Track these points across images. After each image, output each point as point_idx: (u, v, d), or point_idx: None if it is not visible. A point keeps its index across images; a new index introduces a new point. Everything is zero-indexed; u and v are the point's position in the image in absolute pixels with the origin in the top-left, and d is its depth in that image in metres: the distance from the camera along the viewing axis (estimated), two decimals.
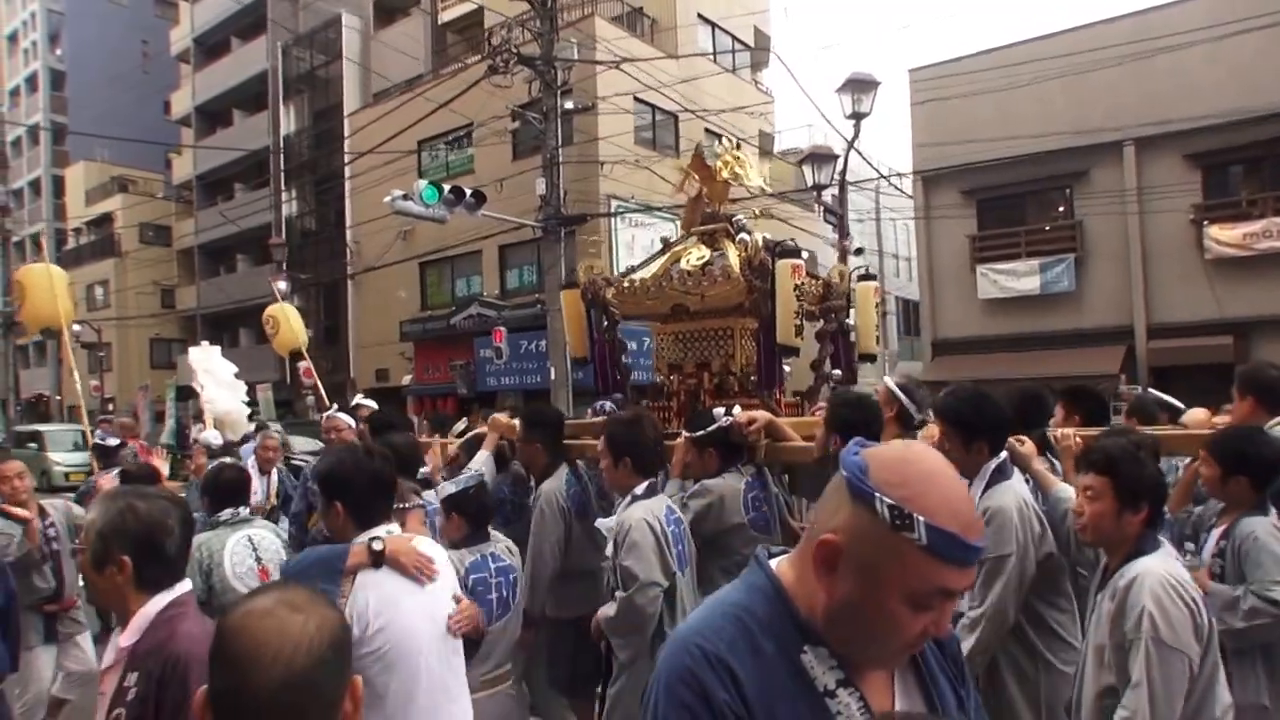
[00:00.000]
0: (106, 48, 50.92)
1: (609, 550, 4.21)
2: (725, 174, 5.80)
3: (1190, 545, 4.39)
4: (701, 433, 4.64)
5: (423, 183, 16.79)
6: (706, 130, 25.67)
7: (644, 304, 5.74)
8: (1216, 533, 3.92)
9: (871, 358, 6.39)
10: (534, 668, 5.24)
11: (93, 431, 18.38)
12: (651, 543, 4.02)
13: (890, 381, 4.96)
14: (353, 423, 8.27)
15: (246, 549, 4.77)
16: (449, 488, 4.22)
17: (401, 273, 27.33)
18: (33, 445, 22.40)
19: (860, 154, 18.01)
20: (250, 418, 12.89)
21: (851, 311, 6.16)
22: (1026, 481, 4.02)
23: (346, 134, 30.06)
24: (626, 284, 5.79)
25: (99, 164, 49.77)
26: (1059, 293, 20.02)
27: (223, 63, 39.85)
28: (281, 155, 34.75)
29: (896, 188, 22.71)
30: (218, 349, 12.59)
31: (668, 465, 4.88)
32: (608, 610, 4.12)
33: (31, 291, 9.45)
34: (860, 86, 16.44)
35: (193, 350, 12.29)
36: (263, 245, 35.17)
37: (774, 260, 5.13)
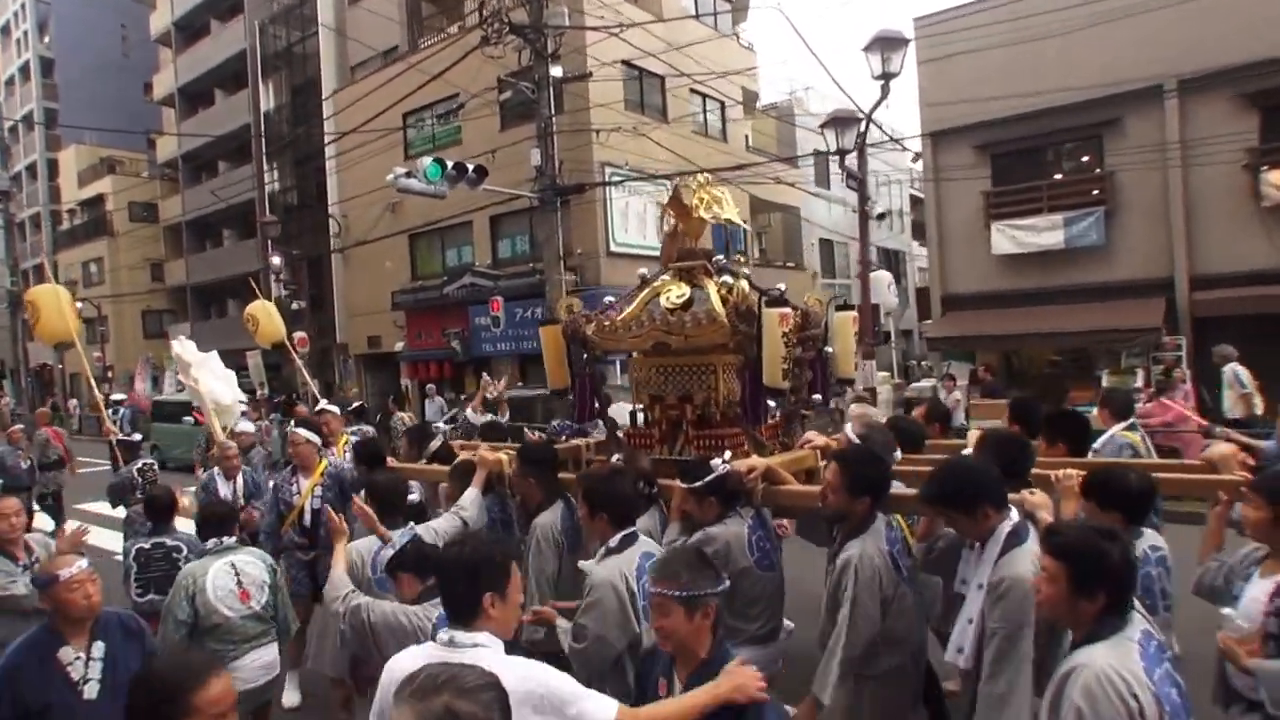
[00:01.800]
0: (90, 35, 48.45)
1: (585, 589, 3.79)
2: (701, 211, 5.21)
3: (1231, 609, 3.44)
4: (700, 484, 4.15)
5: (427, 160, 15.05)
6: (692, 91, 22.89)
7: (625, 341, 5.29)
8: (1267, 585, 3.28)
9: (850, 382, 5.95)
10: None
11: (109, 409, 16.63)
12: (614, 605, 3.62)
13: (849, 431, 5.00)
14: (338, 411, 8.53)
15: (228, 574, 4.61)
16: (387, 552, 4.12)
17: (391, 245, 24.70)
18: (188, 419, 19.37)
19: (874, 122, 14.73)
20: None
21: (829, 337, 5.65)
22: None
23: (329, 111, 27.24)
24: (608, 322, 5.36)
25: (89, 147, 47.28)
26: (1085, 246, 17.02)
27: (203, 44, 36.90)
28: (263, 133, 31.71)
29: (902, 146, 19.33)
30: (193, 343, 11.14)
31: (663, 504, 4.59)
32: (564, 641, 3.68)
33: (44, 311, 9.54)
34: (889, 45, 13.63)
35: (174, 344, 11.10)
36: (248, 220, 33.75)
37: (760, 306, 4.74)
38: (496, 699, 1.77)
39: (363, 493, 5.41)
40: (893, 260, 33.38)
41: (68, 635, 3.49)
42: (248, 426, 9.57)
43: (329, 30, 29.14)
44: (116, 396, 20.08)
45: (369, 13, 27.71)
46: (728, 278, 5.15)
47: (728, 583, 2.74)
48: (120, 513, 8.08)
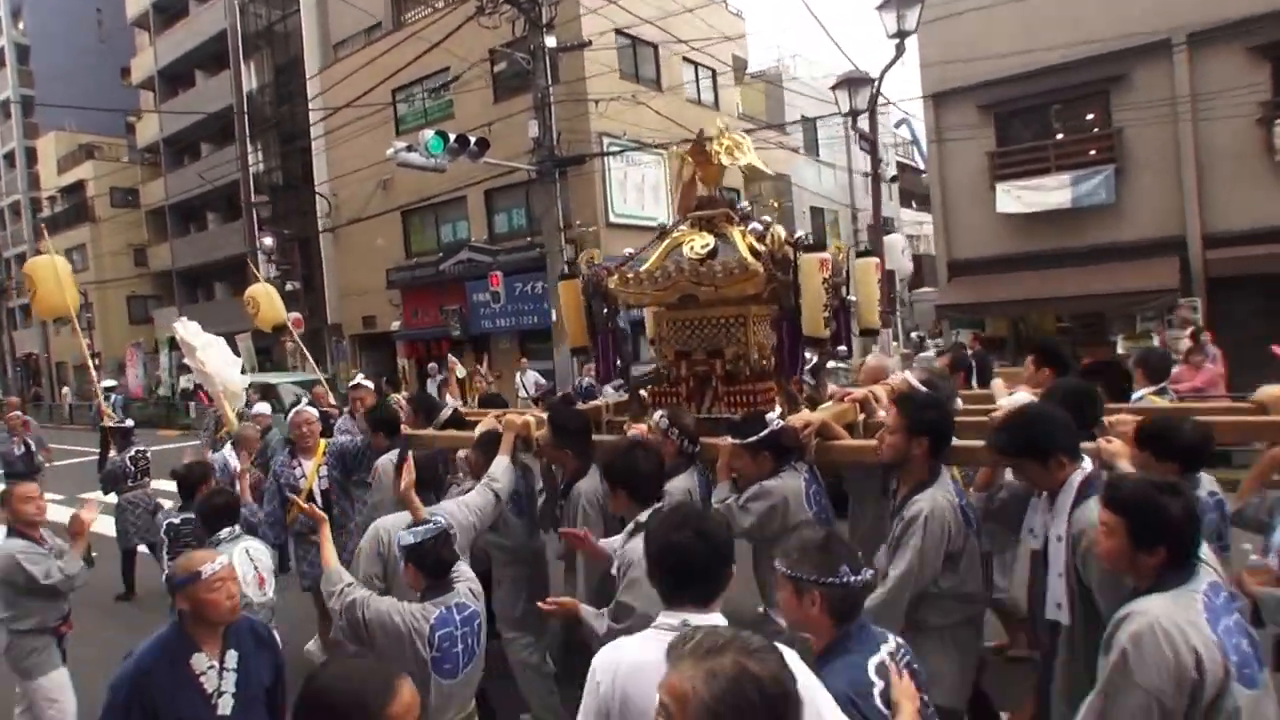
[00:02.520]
0: (66, 20, 47.33)
1: (614, 570, 3.54)
2: (722, 157, 4.89)
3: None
4: (755, 439, 3.99)
5: (428, 133, 14.66)
6: (685, 60, 22.50)
7: (650, 294, 4.91)
8: None
9: (875, 332, 5.59)
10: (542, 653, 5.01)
11: (104, 394, 16.11)
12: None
13: (910, 377, 4.67)
14: (371, 386, 7.96)
15: (247, 560, 4.45)
16: (407, 538, 3.52)
17: (383, 222, 24.14)
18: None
19: (879, 88, 14.16)
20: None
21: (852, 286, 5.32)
22: None
23: (315, 89, 26.51)
24: (631, 275, 4.96)
25: (68, 133, 46.35)
26: (1095, 205, 16.46)
27: (181, 25, 35.96)
28: (246, 113, 30.17)
29: (903, 112, 19.00)
30: (196, 324, 10.76)
31: (702, 465, 4.41)
32: (595, 625, 3.40)
33: (41, 284, 9.44)
34: (904, 2, 13.21)
35: (176, 325, 10.74)
36: (232, 203, 32.75)
37: (796, 253, 4.47)
38: (783, 662, 1.65)
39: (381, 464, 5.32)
40: (881, 227, 32.86)
41: (201, 641, 3.13)
42: (265, 408, 9.54)
43: (311, 8, 28.54)
44: (107, 383, 19.66)
45: None
46: (758, 225, 4.85)
47: (855, 578, 2.40)
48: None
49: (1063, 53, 15.97)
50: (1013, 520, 3.72)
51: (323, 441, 6.33)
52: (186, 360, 10.92)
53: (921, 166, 38.41)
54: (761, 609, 4.53)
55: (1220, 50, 15.10)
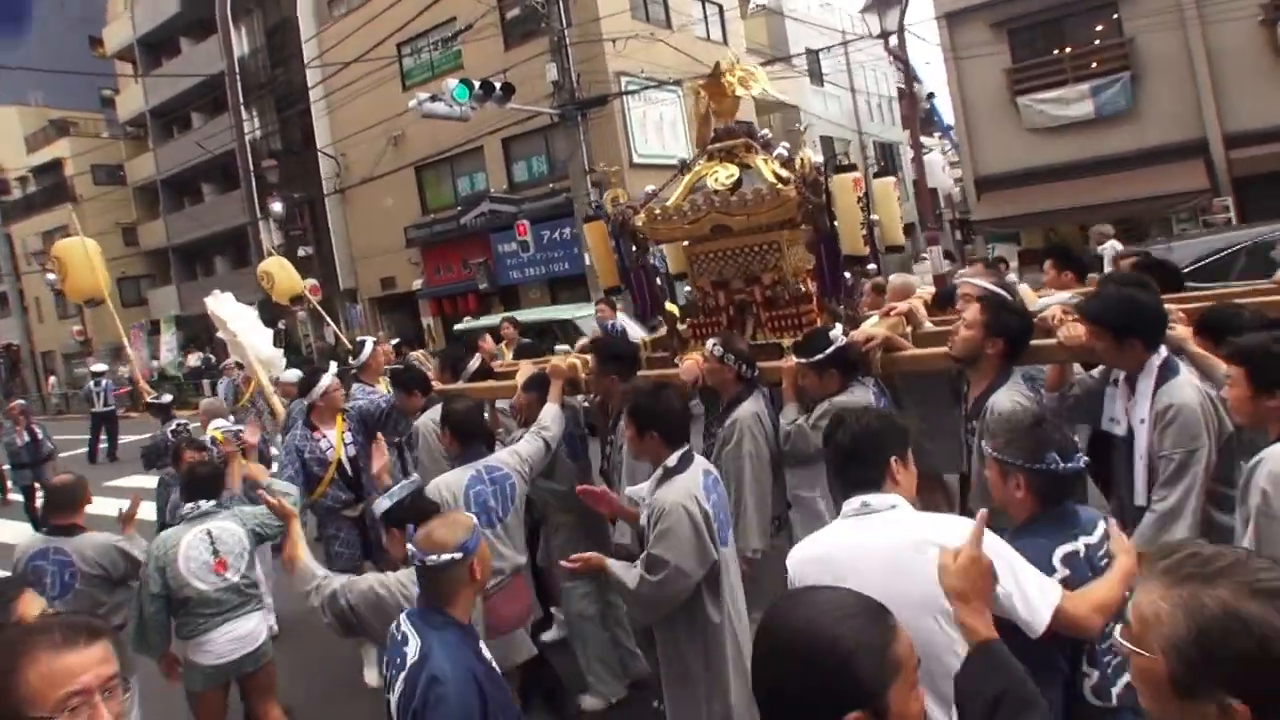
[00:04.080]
0: None
1: (642, 520, 3.60)
2: (737, 88, 5.19)
3: None
4: (821, 356, 4.14)
5: (452, 81, 15.19)
6: None
7: (680, 228, 5.09)
8: None
9: (900, 249, 5.72)
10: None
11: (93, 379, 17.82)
12: (689, 531, 3.35)
13: (984, 283, 4.61)
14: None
15: (203, 543, 4.38)
16: (383, 502, 3.63)
17: (397, 180, 24.50)
18: None
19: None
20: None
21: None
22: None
23: (316, 50, 26.56)
24: (658, 210, 5.13)
25: (34, 109, 44.63)
26: (1115, 113, 17.60)
27: None
28: (239, 78, 30.58)
29: (917, 36, 19.77)
30: (230, 295, 10.96)
31: (760, 387, 4.44)
32: (625, 578, 3.41)
33: (71, 266, 9.31)
34: None
35: (208, 301, 10.69)
36: (228, 173, 32.71)
37: (827, 175, 4.65)
38: None
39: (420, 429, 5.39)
40: (890, 153, 33.84)
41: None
42: (291, 376, 9.41)
43: None
44: (96, 368, 20.13)
45: None
46: (782, 150, 4.98)
47: (1064, 465, 2.51)
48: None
49: None
50: (1090, 414, 3.83)
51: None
52: (220, 333, 11.04)
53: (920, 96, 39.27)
54: None
55: None
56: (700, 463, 3.66)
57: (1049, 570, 2.36)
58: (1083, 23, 18.21)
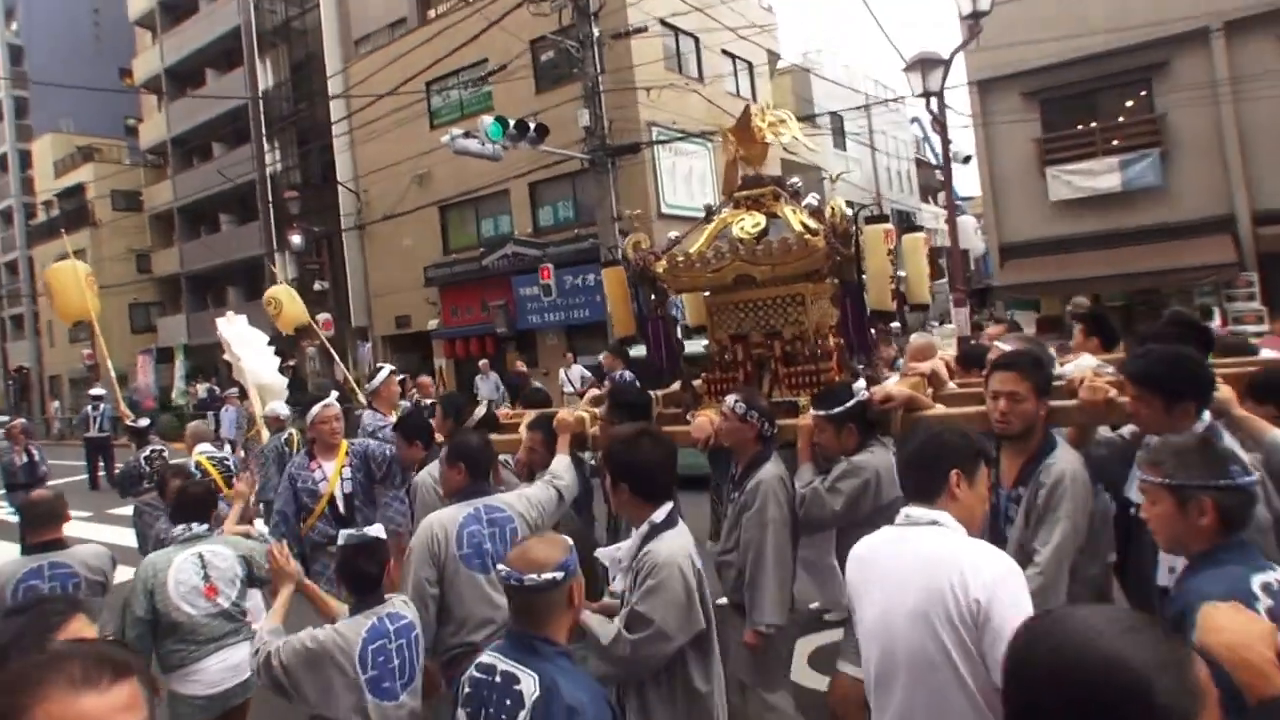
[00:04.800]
0: (61, 21, 47.19)
1: (616, 585, 3.32)
2: (767, 135, 5.03)
3: None
4: (840, 409, 3.89)
5: (488, 119, 15.02)
6: (724, 52, 23.23)
7: (703, 277, 4.86)
8: None
9: (924, 307, 5.50)
10: None
11: (92, 404, 17.78)
12: (680, 591, 3.00)
13: (1004, 345, 4.30)
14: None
15: (194, 566, 4.12)
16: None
17: (419, 218, 24.31)
18: None
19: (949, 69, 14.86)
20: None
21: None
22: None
23: (341, 85, 26.67)
24: (681, 258, 4.91)
25: (64, 136, 46.12)
26: (1144, 188, 17.38)
27: (190, 23, 35.79)
28: (262, 110, 30.84)
29: (945, 105, 19.79)
30: (244, 318, 11.32)
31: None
32: (600, 631, 3.05)
33: (60, 290, 9.41)
34: None
35: (220, 322, 11.03)
36: (247, 204, 32.81)
37: (858, 226, 4.56)
38: None
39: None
40: (906, 221, 33.86)
41: None
42: (279, 408, 9.34)
43: (331, 3, 28.82)
44: (95, 392, 19.89)
45: None
46: (812, 200, 4.79)
47: (1247, 478, 2.30)
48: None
49: (1105, 40, 16.77)
50: (1112, 477, 3.65)
51: (344, 442, 5.95)
52: (225, 355, 11.16)
53: (934, 162, 39.55)
54: (815, 605, 4.58)
55: (1256, 37, 16.06)
56: (685, 529, 3.28)
57: (1249, 601, 2.06)
58: (1115, 97, 18.11)
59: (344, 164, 27.78)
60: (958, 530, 2.45)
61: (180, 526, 4.31)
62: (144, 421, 9.23)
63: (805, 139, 5.83)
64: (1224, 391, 3.32)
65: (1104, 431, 3.82)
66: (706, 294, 5.08)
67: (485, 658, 2.48)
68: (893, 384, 4.34)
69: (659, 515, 3.16)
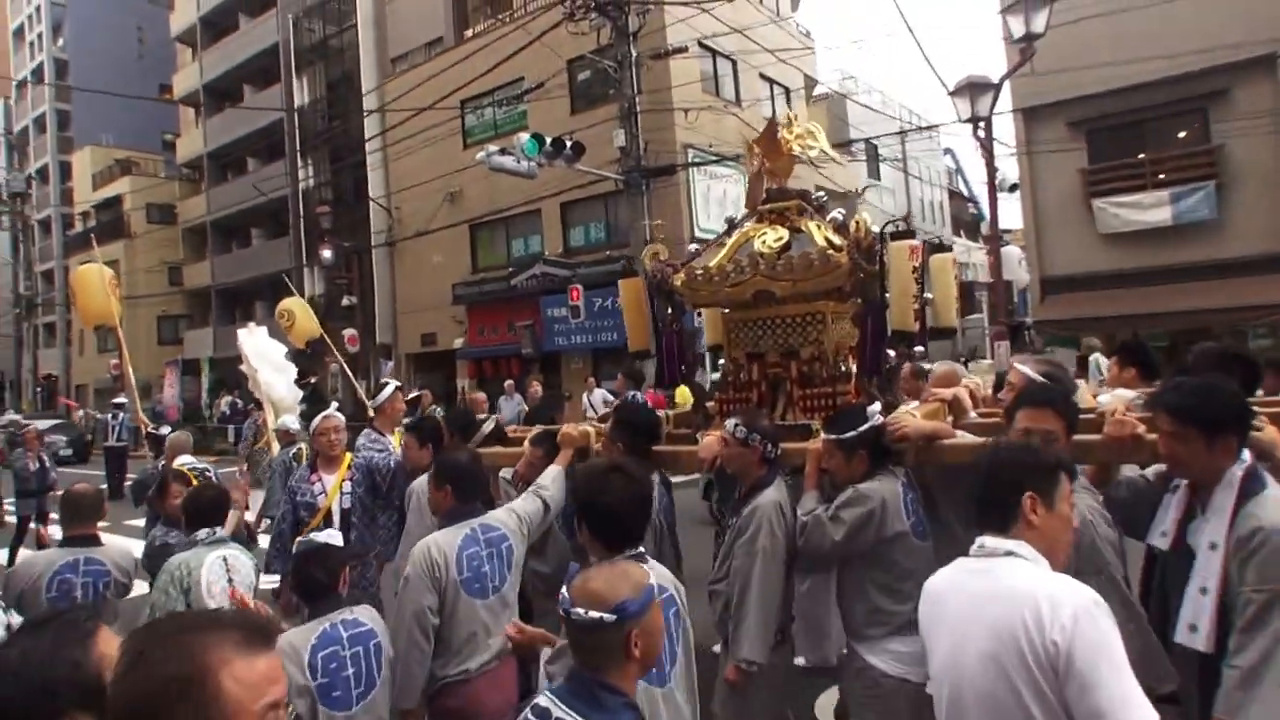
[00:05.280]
0: (105, 37, 47.80)
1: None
2: (794, 147, 4.65)
3: None
4: (852, 433, 3.56)
5: (524, 136, 14.85)
6: (761, 76, 22.80)
7: (721, 292, 4.54)
8: None
9: (950, 332, 5.39)
10: None
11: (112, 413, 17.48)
12: None
13: (1028, 370, 3.94)
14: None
15: (221, 569, 3.96)
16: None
17: (449, 237, 24.03)
18: None
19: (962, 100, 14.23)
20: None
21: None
22: None
23: (377, 102, 26.53)
24: (700, 271, 4.59)
25: (104, 149, 46.64)
26: (1197, 222, 16.49)
27: (230, 40, 36.20)
28: (297, 127, 31.10)
29: (978, 137, 19.14)
30: (264, 330, 11.13)
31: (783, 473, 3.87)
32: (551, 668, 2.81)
33: (84, 293, 9.34)
34: (1032, 4, 13.28)
35: (241, 333, 10.90)
36: (278, 219, 33.11)
37: (884, 242, 4.19)
38: None
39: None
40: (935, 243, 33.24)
41: None
42: (289, 422, 9.12)
43: (368, 23, 28.74)
44: (118, 400, 19.62)
45: (409, 5, 27.58)
46: (837, 215, 4.51)
47: None
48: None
49: (1158, 68, 15.88)
50: (1133, 523, 3.25)
51: (348, 454, 5.71)
52: (243, 366, 10.96)
53: (967, 194, 38.91)
54: (801, 661, 4.14)
55: None
56: (656, 574, 2.71)
57: None
58: (1167, 127, 17.33)
59: (376, 181, 27.58)
60: (1038, 562, 2.19)
61: (204, 530, 4.14)
62: (165, 429, 8.95)
63: (837, 156, 5.65)
64: (1269, 433, 2.99)
65: (1126, 471, 3.47)
66: (725, 310, 4.88)
67: (541, 700, 2.12)
68: (907, 410, 4.04)
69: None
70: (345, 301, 26.87)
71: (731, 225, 4.91)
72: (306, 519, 5.37)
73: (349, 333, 25.76)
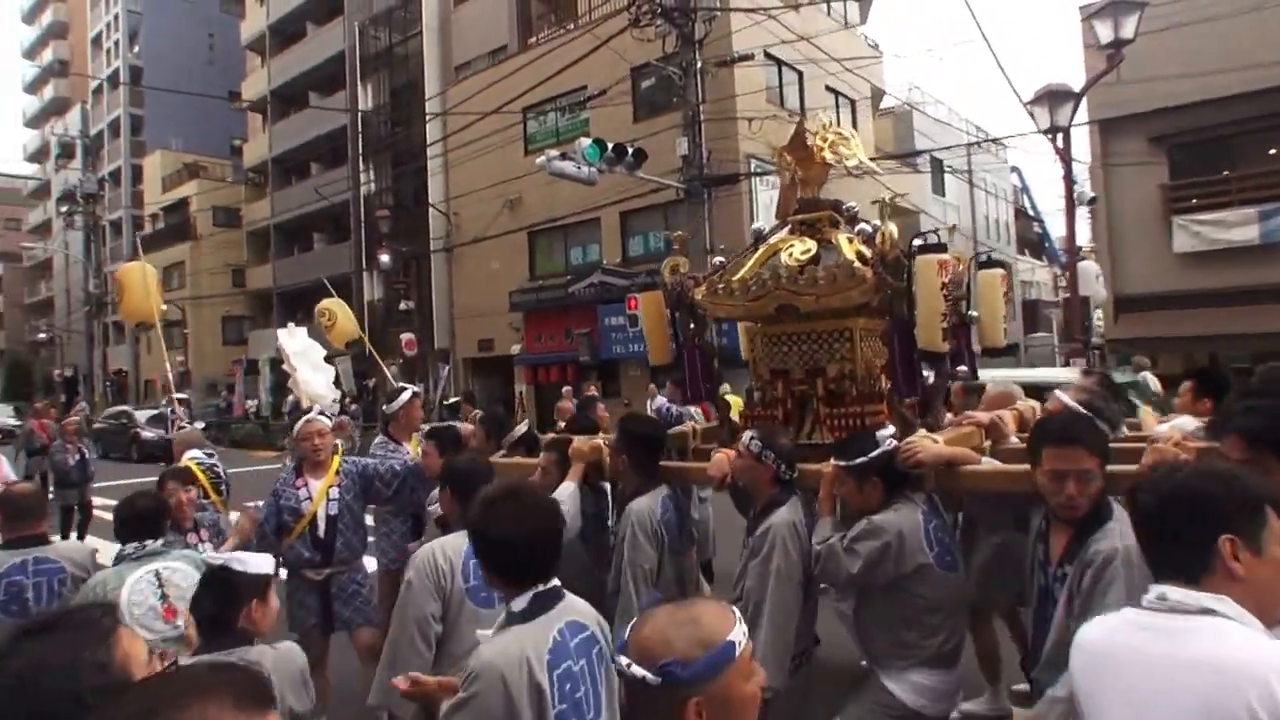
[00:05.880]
0: (178, 44, 49.03)
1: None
2: (826, 154, 4.24)
3: None
4: (862, 460, 3.33)
5: (585, 141, 14.37)
6: (826, 88, 22.13)
7: (743, 305, 4.22)
8: None
9: (998, 351, 4.80)
10: None
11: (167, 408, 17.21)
12: (496, 707, 2.12)
13: (1066, 398, 3.75)
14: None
15: (150, 586, 3.50)
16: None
17: (507, 243, 23.69)
18: None
19: (1029, 107, 13.40)
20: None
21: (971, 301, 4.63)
22: None
23: (440, 105, 26.30)
24: (721, 284, 4.25)
25: (173, 153, 47.87)
26: None
27: (297, 47, 36.43)
28: (360, 133, 31.09)
29: (1056, 146, 18.27)
30: (304, 330, 10.75)
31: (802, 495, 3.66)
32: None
33: (129, 290, 9.49)
34: (1121, 9, 12.24)
35: (281, 333, 10.59)
36: (339, 223, 33.16)
37: (911, 255, 3.81)
38: None
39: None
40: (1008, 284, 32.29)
41: None
42: (318, 419, 8.85)
43: (434, 31, 28.53)
44: (179, 396, 19.58)
45: (474, 13, 27.36)
46: (866, 226, 4.19)
47: None
48: None
49: (1245, 79, 14.92)
50: None
51: (336, 458, 5.38)
52: (284, 366, 10.78)
53: (1032, 213, 37.74)
54: (864, 662, 3.87)
55: None
56: (568, 613, 2.39)
57: None
58: (1256, 142, 16.28)
59: (436, 186, 27.31)
60: (1248, 623, 1.69)
61: (132, 545, 3.70)
62: (199, 424, 8.90)
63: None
64: None
65: None
66: (751, 324, 4.68)
67: None
68: (921, 435, 3.63)
69: (519, 603, 2.33)
70: (403, 306, 26.67)
71: (759, 237, 4.64)
72: (290, 524, 5.06)
73: (406, 337, 25.63)
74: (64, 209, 44.26)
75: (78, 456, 12.07)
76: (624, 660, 1.57)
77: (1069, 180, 13.77)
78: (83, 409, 38.47)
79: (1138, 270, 17.13)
